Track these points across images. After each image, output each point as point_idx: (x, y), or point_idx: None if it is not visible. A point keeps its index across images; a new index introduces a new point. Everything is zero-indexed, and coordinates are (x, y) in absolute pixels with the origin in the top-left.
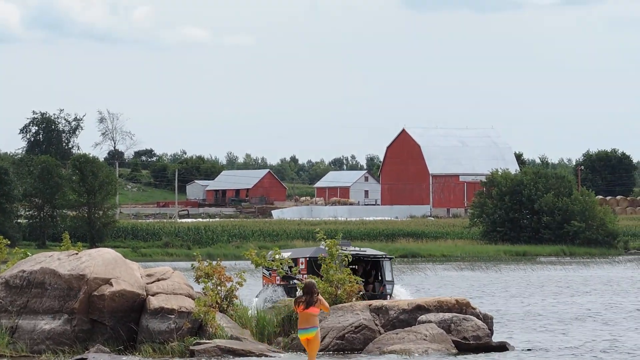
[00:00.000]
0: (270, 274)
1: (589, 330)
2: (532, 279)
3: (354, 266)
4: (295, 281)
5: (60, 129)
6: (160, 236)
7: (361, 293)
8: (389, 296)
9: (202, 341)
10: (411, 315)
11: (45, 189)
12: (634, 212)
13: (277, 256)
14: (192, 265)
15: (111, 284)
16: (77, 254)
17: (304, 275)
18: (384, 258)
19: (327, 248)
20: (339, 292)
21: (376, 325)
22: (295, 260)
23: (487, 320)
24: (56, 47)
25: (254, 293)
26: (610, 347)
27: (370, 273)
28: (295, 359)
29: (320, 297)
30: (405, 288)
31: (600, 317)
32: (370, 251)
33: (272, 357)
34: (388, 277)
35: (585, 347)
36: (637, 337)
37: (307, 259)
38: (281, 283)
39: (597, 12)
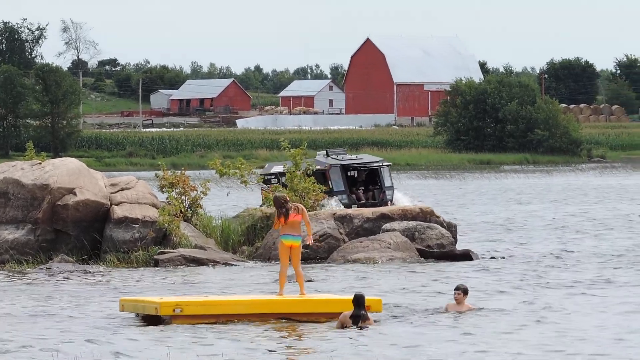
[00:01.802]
0: (268, 187)
1: (552, 238)
2: (496, 187)
3: (352, 174)
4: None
5: (23, 38)
6: (124, 146)
7: (361, 201)
8: (389, 202)
9: (166, 250)
10: (375, 224)
11: (8, 98)
12: (597, 120)
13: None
14: (156, 174)
15: (75, 194)
16: (40, 163)
17: None
18: (382, 164)
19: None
20: (304, 202)
21: (340, 234)
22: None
23: (451, 228)
24: None
25: (219, 202)
26: (569, 253)
27: (368, 180)
28: (259, 267)
29: (299, 205)
30: (404, 194)
31: (563, 225)
32: (367, 158)
33: (236, 265)
34: (387, 183)
35: (548, 254)
36: (594, 245)
37: (312, 170)
38: None
39: None
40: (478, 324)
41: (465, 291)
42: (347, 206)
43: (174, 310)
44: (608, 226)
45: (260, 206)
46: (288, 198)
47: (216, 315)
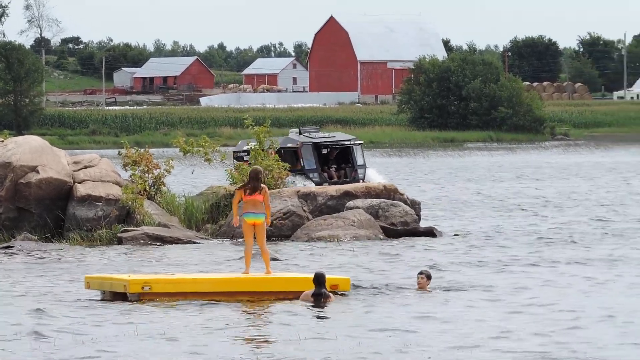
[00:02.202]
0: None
1: (516, 216)
2: (460, 164)
3: (325, 152)
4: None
5: None
6: (87, 124)
7: (333, 180)
8: (362, 181)
9: (129, 228)
10: (339, 202)
11: None
12: (561, 97)
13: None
14: (119, 152)
15: (38, 172)
16: (3, 141)
17: None
18: (354, 143)
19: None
20: (267, 179)
21: (304, 211)
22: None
23: (415, 206)
24: None
25: (182, 180)
26: (532, 230)
27: (340, 158)
28: (222, 245)
29: (266, 189)
30: (378, 172)
31: (527, 203)
32: (340, 136)
33: (199, 243)
34: (359, 162)
35: (511, 231)
36: (558, 222)
37: (276, 149)
38: None
39: None
40: (440, 302)
41: (428, 276)
42: (318, 184)
43: (142, 288)
44: (569, 204)
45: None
46: (263, 176)
47: (184, 293)
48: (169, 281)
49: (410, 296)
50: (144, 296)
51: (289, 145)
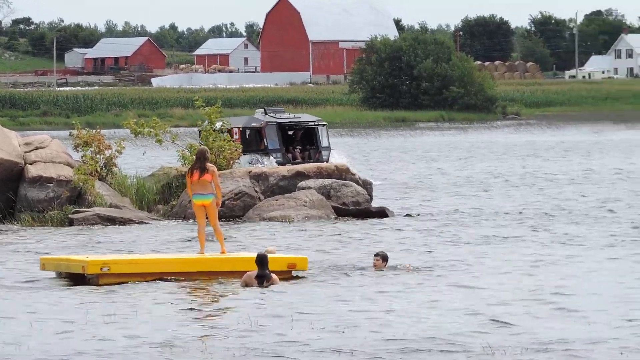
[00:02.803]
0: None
1: (467, 196)
2: (411, 145)
3: (291, 133)
4: None
5: None
6: (38, 105)
7: (297, 160)
8: (325, 162)
9: (81, 210)
10: (291, 182)
11: None
12: (512, 77)
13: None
14: (70, 133)
15: None
16: None
17: None
18: (319, 124)
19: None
20: (218, 160)
21: (256, 192)
22: (229, 131)
23: (367, 186)
24: None
25: (133, 162)
26: (483, 210)
27: (305, 139)
28: (174, 226)
29: (214, 169)
30: (341, 153)
31: (478, 182)
32: (305, 117)
33: (151, 224)
34: (324, 144)
35: (462, 211)
36: (506, 202)
37: (241, 129)
38: None
39: None
40: (391, 282)
41: (384, 258)
42: (281, 164)
43: (101, 269)
44: (519, 183)
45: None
46: (208, 155)
47: (143, 273)
48: (128, 262)
49: (366, 276)
50: (103, 277)
51: (253, 124)
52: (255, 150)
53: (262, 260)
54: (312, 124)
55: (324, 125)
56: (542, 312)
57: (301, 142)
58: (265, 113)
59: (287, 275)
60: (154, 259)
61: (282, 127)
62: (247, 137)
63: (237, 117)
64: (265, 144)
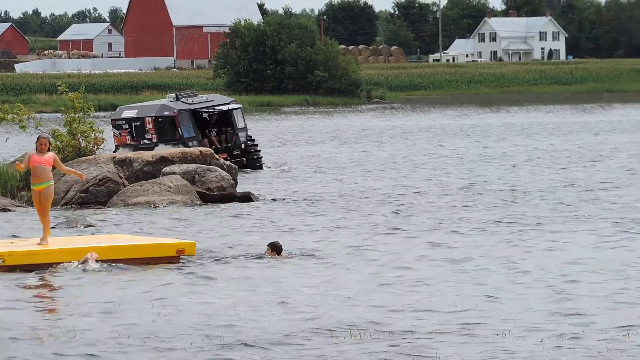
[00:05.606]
0: (120, 133)
1: (334, 180)
2: (277, 129)
3: (205, 116)
4: (145, 141)
5: None
6: None
7: (214, 146)
8: (243, 144)
9: None
10: (155, 167)
11: None
12: (376, 61)
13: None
14: None
15: None
16: None
17: (153, 136)
18: (233, 107)
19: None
20: (82, 145)
21: (120, 177)
22: (142, 120)
23: (231, 171)
24: None
25: None
26: (352, 193)
27: (220, 122)
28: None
29: (53, 155)
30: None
31: (345, 165)
32: (218, 100)
33: (15, 211)
34: (240, 125)
35: (330, 195)
36: (373, 184)
37: (154, 118)
38: (132, 143)
39: None
40: (270, 268)
41: (274, 248)
42: None
43: None
44: (383, 167)
45: (114, 151)
46: (48, 142)
47: (40, 264)
48: (24, 253)
49: (234, 265)
50: None
51: (166, 113)
52: (171, 139)
53: None
54: (226, 107)
55: (238, 107)
56: (422, 295)
57: (217, 124)
58: (177, 99)
59: (176, 260)
60: (52, 250)
61: (195, 114)
62: (160, 126)
63: (148, 103)
64: (180, 132)
